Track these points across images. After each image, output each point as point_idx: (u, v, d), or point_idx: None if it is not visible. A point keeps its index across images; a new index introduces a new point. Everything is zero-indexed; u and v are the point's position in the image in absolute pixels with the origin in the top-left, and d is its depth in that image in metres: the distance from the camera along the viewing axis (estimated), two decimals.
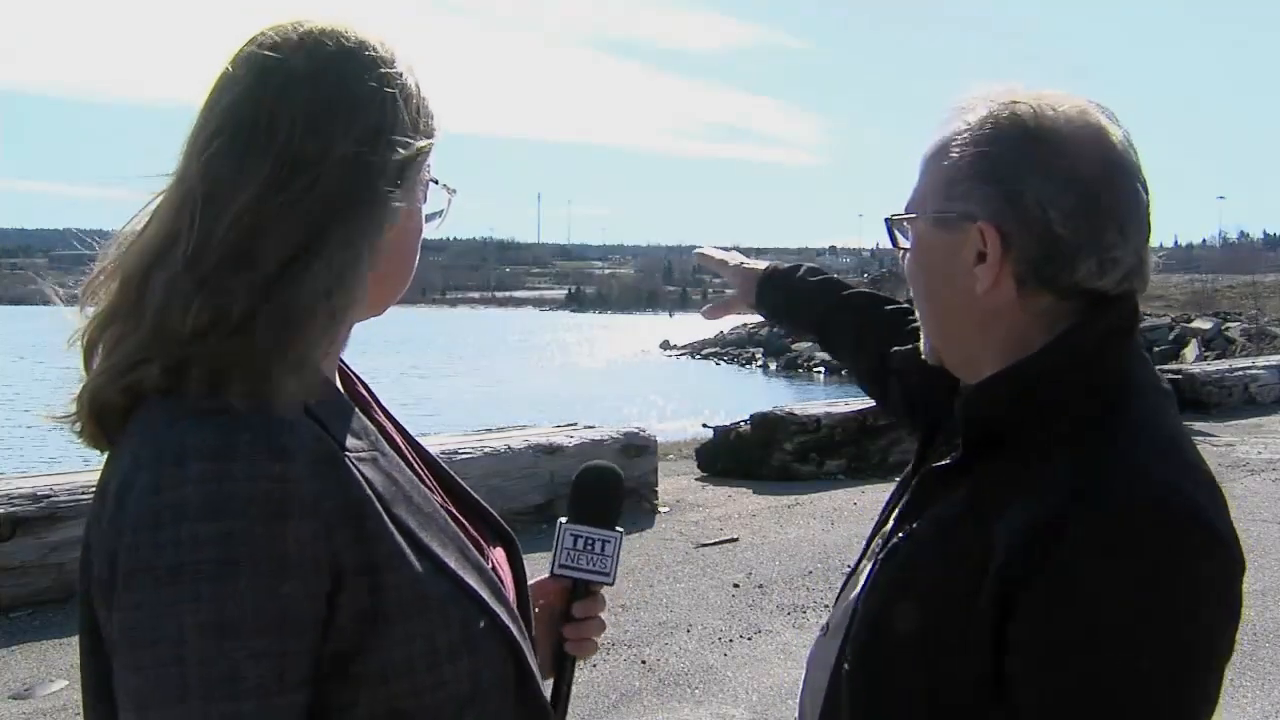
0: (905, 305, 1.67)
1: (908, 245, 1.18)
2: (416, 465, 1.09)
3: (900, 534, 1.13)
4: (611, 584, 1.22)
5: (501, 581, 1.07)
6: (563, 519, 1.22)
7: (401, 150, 0.98)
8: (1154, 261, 1.11)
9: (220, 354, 0.91)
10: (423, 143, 1.01)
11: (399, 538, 0.94)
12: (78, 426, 0.99)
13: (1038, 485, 1.01)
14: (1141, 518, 0.97)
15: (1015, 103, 1.10)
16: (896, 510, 1.24)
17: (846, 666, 1.13)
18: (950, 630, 1.02)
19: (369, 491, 0.94)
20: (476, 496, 1.15)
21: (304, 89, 0.95)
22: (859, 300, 1.69)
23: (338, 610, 0.90)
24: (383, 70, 0.99)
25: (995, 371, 1.10)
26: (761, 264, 1.80)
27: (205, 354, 0.91)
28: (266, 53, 0.97)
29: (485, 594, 1.01)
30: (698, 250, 1.88)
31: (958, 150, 1.11)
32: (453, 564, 0.99)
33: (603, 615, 1.26)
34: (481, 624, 0.99)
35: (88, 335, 0.99)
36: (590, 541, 1.20)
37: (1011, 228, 1.07)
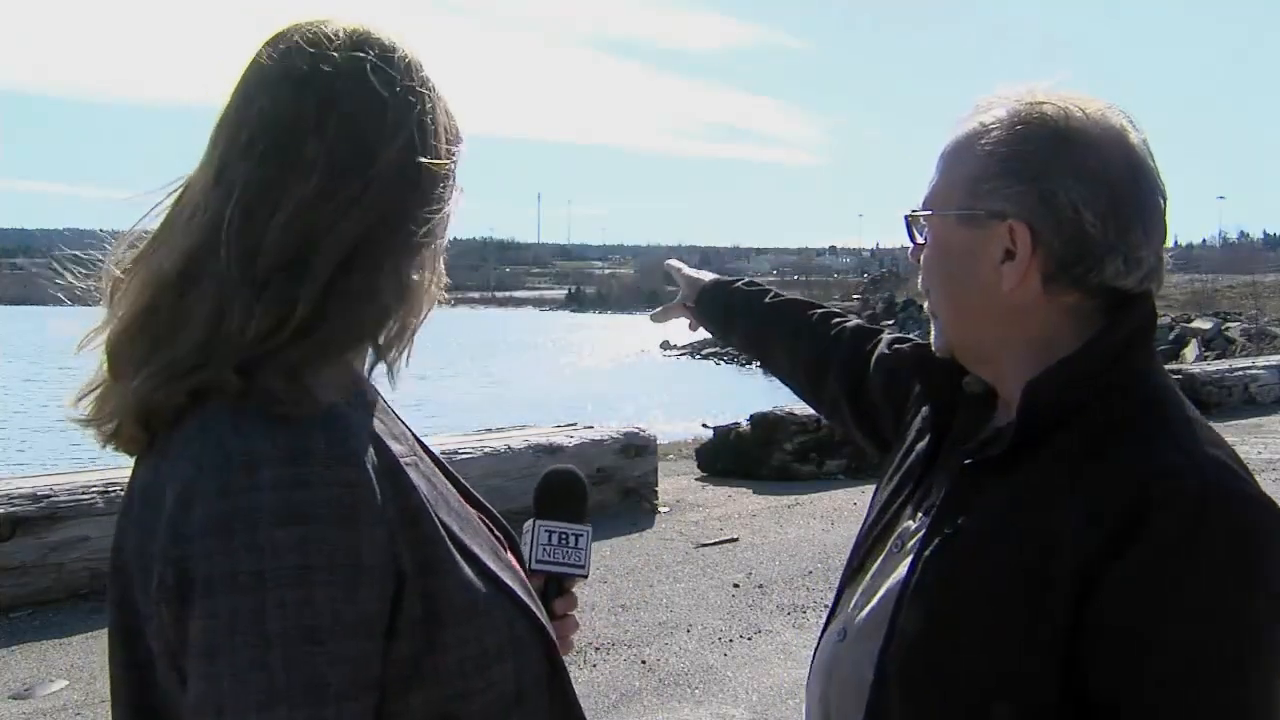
0: (831, 309, 1.73)
1: (923, 241, 1.19)
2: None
3: (946, 530, 1.11)
4: (586, 576, 1.23)
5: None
6: (531, 519, 1.23)
7: (444, 153, 0.99)
8: (1166, 260, 1.13)
9: (289, 358, 0.90)
10: (459, 145, 1.02)
11: (448, 542, 0.95)
12: (110, 427, 0.97)
13: (1097, 479, 1.03)
14: (1213, 506, 1.00)
15: (1042, 103, 1.11)
16: (915, 507, 1.22)
17: (895, 671, 1.11)
18: (1017, 626, 1.03)
19: (421, 496, 0.94)
20: (481, 498, 1.16)
21: (348, 94, 0.95)
22: (787, 308, 1.73)
23: (397, 615, 0.90)
24: (417, 74, 0.99)
25: (1044, 368, 1.10)
26: (707, 275, 1.89)
27: (272, 358, 0.90)
28: (307, 52, 0.95)
29: (522, 594, 1.01)
30: (668, 262, 1.99)
31: (984, 149, 1.11)
32: (493, 566, 0.99)
33: (575, 614, 1.26)
34: (521, 624, 1.00)
35: (114, 337, 0.97)
36: (564, 536, 1.22)
37: (1043, 226, 1.08)
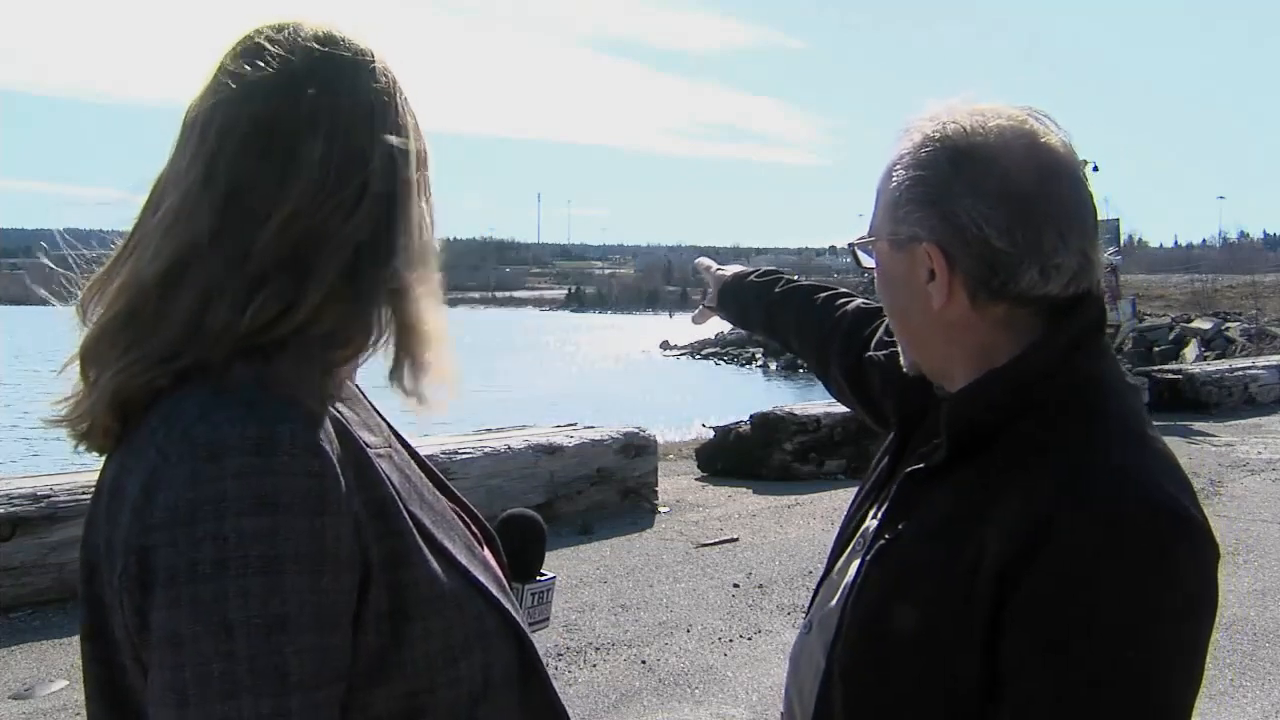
0: (838, 290, 1.77)
1: (872, 266, 1.22)
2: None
3: (887, 535, 1.14)
4: (548, 625, 1.25)
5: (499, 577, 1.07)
6: (515, 583, 1.22)
7: (422, 151, 1.00)
8: (1105, 259, 1.13)
9: (277, 354, 0.91)
10: (427, 147, 1.02)
11: (417, 534, 0.95)
12: (83, 426, 0.96)
13: (1024, 487, 1.03)
14: (1126, 515, 0.99)
15: (950, 123, 1.12)
16: (878, 509, 1.25)
17: (839, 667, 1.14)
18: (944, 630, 1.04)
19: (390, 488, 0.94)
20: (460, 494, 1.16)
21: (338, 95, 0.95)
22: (795, 294, 1.78)
23: (364, 606, 0.90)
24: (388, 75, 1.00)
25: (973, 379, 1.12)
26: (730, 270, 1.93)
27: (258, 352, 0.90)
28: (292, 54, 0.96)
29: (494, 589, 1.01)
30: (698, 260, 2.04)
31: (898, 174, 1.14)
32: (463, 560, 0.99)
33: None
34: (491, 619, 1.00)
35: (89, 341, 0.96)
36: (540, 595, 1.24)
37: (953, 246, 1.10)
